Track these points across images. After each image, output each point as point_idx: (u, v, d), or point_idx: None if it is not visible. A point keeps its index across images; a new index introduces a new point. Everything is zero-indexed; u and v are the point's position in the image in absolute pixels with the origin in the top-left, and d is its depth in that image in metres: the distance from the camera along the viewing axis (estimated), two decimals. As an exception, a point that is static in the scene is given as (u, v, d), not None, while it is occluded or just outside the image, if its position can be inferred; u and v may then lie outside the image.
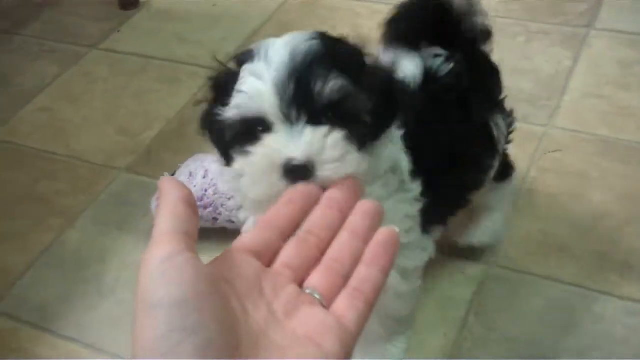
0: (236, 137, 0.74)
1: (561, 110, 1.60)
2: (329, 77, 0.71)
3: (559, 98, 1.64)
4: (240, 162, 0.74)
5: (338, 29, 1.87)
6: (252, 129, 0.72)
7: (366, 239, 0.53)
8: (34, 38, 2.07)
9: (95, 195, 1.53)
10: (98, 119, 1.75)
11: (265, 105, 0.70)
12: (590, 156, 1.48)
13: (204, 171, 1.37)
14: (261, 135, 0.71)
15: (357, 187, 0.62)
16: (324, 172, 0.68)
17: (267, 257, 0.52)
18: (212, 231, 1.31)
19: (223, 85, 0.77)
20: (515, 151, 1.48)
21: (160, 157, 1.58)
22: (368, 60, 0.81)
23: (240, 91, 0.72)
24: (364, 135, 0.75)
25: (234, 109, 0.73)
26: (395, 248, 0.53)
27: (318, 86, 0.70)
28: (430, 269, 1.27)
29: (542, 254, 1.29)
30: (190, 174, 1.38)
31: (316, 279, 0.51)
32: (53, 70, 1.93)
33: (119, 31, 2.05)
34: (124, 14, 2.11)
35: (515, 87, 1.67)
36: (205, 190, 1.34)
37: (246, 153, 0.72)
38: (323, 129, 0.70)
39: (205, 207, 1.33)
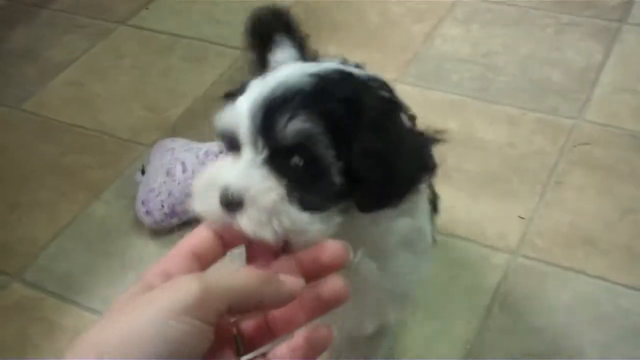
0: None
1: (591, 104, 1.59)
2: (293, 117, 0.64)
3: (589, 91, 1.62)
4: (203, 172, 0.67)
5: (366, 14, 1.91)
6: (231, 141, 0.67)
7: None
8: (63, 12, 2.08)
9: (121, 169, 1.54)
10: (125, 95, 1.75)
11: (239, 127, 0.66)
12: (619, 150, 1.47)
13: (180, 165, 1.35)
14: (236, 150, 0.66)
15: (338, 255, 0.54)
16: (244, 218, 0.59)
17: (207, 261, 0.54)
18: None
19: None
20: (545, 143, 1.49)
21: (185, 134, 1.57)
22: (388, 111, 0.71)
23: (232, 106, 0.68)
24: (328, 197, 0.66)
25: (222, 119, 0.69)
26: (322, 351, 0.53)
27: (280, 124, 0.64)
28: (456, 256, 1.27)
29: (569, 246, 1.28)
30: (168, 173, 1.36)
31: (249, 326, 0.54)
32: (82, 45, 1.93)
33: (147, 8, 2.05)
34: (153, -9, 2.10)
35: (545, 78, 1.66)
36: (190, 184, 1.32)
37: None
38: (266, 170, 0.63)
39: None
